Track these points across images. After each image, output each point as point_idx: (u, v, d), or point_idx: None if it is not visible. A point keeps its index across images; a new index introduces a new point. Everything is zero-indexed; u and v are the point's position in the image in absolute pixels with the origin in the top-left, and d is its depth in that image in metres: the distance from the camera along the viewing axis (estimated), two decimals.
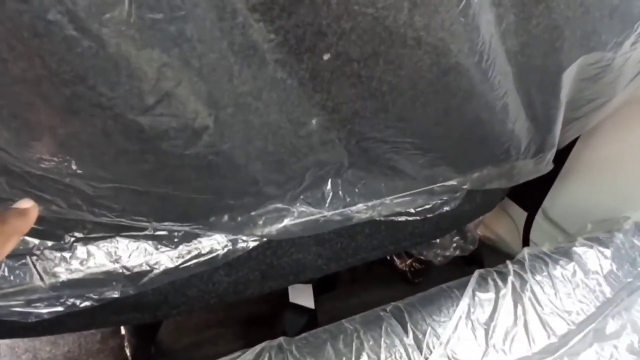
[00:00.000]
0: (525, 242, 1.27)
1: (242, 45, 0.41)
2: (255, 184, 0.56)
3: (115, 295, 0.59)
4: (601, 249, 0.65)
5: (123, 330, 1.09)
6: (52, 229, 0.49)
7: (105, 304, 0.60)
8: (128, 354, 1.05)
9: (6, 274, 0.47)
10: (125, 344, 1.06)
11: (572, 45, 0.53)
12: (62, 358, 1.06)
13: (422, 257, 1.19)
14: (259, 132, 0.50)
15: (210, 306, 0.79)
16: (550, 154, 0.91)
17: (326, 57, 0.46)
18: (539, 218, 1.21)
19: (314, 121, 0.54)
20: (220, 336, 1.12)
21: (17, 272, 0.48)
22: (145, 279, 0.61)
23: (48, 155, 0.43)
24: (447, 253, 1.17)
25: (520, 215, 1.27)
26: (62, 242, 0.50)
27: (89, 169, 0.43)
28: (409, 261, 1.26)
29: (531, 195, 1.20)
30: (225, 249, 0.66)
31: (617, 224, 0.77)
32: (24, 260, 0.48)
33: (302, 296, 1.10)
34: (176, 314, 0.76)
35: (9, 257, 0.47)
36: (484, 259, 1.35)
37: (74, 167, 0.43)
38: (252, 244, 0.69)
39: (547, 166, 0.96)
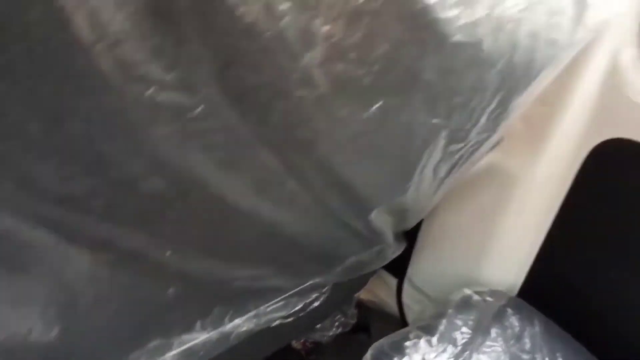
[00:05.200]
0: (400, 304, 1.44)
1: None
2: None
3: None
4: (428, 337, 0.82)
5: None
6: None
7: None
8: None
9: None
10: None
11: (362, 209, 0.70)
12: None
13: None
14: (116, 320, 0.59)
15: None
16: (397, 242, 1.08)
17: (168, 253, 0.57)
18: (406, 284, 1.39)
19: (170, 290, 0.64)
20: None
21: None
22: None
23: None
24: (331, 333, 1.30)
25: (393, 281, 1.45)
26: None
27: None
28: (302, 340, 1.37)
29: (397, 264, 1.38)
30: None
31: (449, 303, 0.95)
32: None
33: None
34: None
35: None
36: (370, 324, 1.50)
37: None
38: None
39: (399, 248, 1.14)
